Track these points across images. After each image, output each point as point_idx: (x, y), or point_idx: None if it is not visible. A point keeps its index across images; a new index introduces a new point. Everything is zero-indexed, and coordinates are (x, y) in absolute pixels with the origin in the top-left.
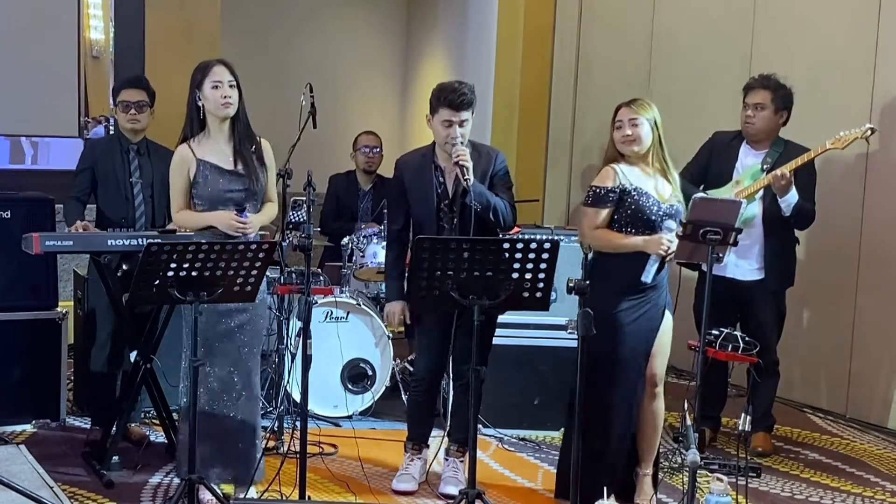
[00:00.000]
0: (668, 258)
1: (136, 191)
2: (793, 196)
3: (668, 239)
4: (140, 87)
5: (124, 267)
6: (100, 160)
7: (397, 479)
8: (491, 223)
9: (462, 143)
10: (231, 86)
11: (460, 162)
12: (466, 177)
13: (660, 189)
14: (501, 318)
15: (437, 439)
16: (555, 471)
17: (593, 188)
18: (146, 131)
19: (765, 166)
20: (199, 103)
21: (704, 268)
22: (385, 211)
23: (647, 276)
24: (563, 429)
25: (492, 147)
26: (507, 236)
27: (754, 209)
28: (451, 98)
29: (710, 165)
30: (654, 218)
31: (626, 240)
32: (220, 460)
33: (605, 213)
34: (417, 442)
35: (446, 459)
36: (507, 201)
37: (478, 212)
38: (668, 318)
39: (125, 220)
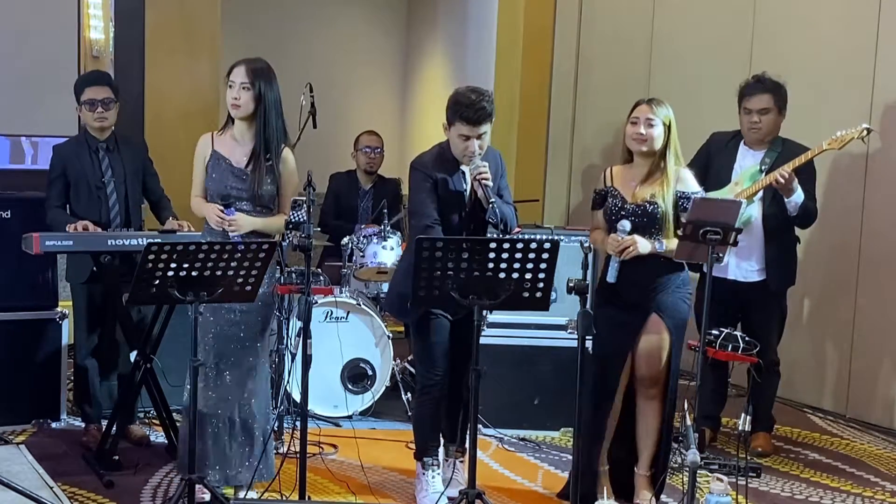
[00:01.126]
0: (622, 257)
1: (110, 190)
2: (798, 196)
3: (613, 238)
4: (104, 84)
5: (106, 260)
6: (69, 163)
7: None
8: (504, 230)
9: (480, 154)
10: (244, 88)
11: (483, 182)
12: (492, 199)
13: (641, 189)
14: (501, 318)
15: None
16: (554, 470)
17: (593, 191)
18: (113, 127)
19: (763, 167)
20: None
21: (705, 268)
22: (385, 211)
23: (611, 276)
24: (563, 430)
25: (493, 149)
26: (507, 236)
27: (753, 210)
28: (467, 114)
29: (709, 167)
30: (614, 218)
31: (601, 241)
32: (234, 462)
33: (596, 214)
34: (436, 455)
35: (446, 460)
36: (512, 206)
37: (492, 223)
38: (655, 322)
39: (98, 222)
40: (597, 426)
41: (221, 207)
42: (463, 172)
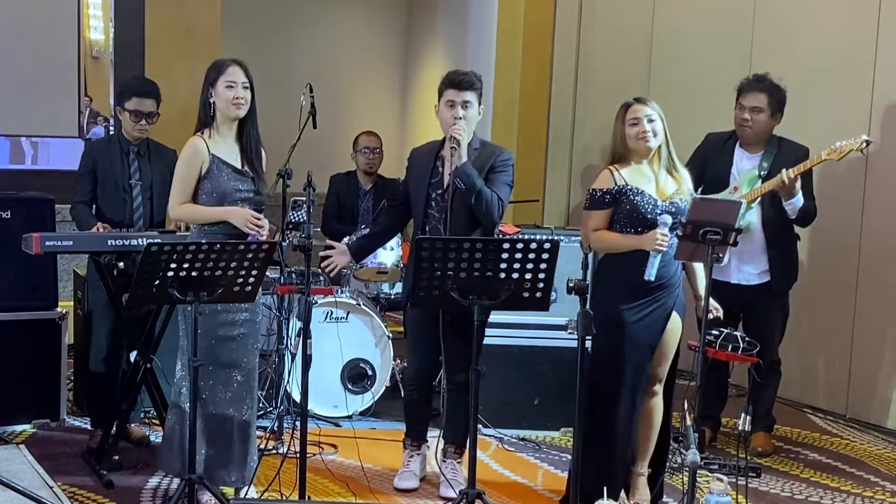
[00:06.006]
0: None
1: (136, 193)
2: (799, 199)
3: (661, 233)
4: (152, 97)
5: (120, 265)
6: (99, 161)
7: (399, 478)
8: (478, 212)
9: (466, 127)
10: (245, 87)
11: (454, 135)
12: (452, 145)
13: (662, 186)
14: (501, 318)
15: (434, 439)
16: (554, 470)
17: (590, 191)
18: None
19: (761, 172)
20: (211, 100)
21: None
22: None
23: (650, 274)
24: (563, 430)
25: (501, 147)
26: (508, 236)
27: (752, 216)
28: (453, 77)
29: (706, 169)
30: (649, 216)
31: (625, 240)
32: (226, 462)
33: (602, 214)
34: (416, 439)
35: (445, 461)
36: (498, 194)
37: (462, 193)
38: (675, 319)
39: (122, 221)
40: (630, 426)
41: (253, 209)
42: (441, 157)
